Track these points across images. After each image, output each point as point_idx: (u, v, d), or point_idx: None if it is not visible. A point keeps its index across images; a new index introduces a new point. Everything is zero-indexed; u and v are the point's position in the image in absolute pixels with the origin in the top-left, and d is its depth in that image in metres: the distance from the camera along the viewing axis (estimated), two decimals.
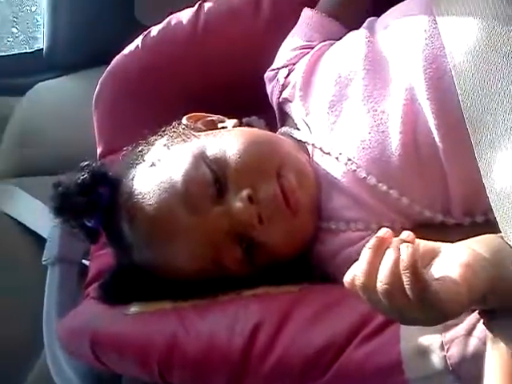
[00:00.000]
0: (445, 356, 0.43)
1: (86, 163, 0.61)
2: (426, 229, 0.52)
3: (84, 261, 0.82)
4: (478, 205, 0.51)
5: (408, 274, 0.34)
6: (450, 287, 0.36)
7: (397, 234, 0.39)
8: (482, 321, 0.41)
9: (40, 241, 0.90)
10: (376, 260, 0.37)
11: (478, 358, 0.41)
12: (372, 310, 0.43)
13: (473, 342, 0.42)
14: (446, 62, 0.51)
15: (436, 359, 0.43)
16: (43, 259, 0.83)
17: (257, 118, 0.66)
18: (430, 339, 0.44)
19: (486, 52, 0.47)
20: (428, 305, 0.35)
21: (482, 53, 0.47)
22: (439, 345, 0.44)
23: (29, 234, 0.95)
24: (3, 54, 1.32)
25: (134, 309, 0.59)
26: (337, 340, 0.48)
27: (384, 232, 0.38)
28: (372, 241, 0.38)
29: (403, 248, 0.35)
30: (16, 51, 1.43)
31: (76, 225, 0.60)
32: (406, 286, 0.34)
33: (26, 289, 0.89)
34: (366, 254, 0.37)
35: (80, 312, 0.65)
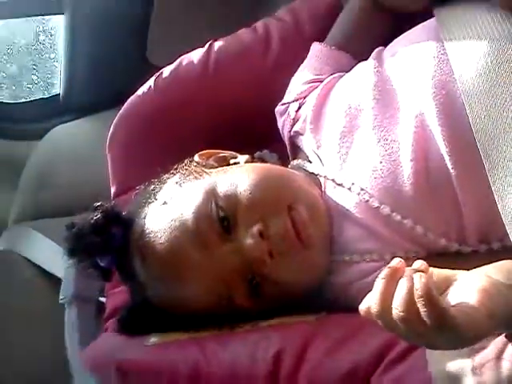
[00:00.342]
0: (478, 381, 0.42)
1: (99, 204, 0.61)
2: (441, 257, 0.51)
3: (101, 298, 0.82)
4: (494, 231, 0.50)
5: (423, 302, 0.34)
6: (468, 312, 0.35)
7: (411, 263, 0.38)
8: (510, 344, 0.41)
9: (56, 281, 0.90)
10: (390, 290, 0.36)
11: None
12: (393, 336, 0.42)
13: (505, 366, 0.41)
14: (456, 87, 0.51)
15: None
16: (60, 298, 0.83)
17: (269, 152, 0.66)
18: (460, 364, 0.43)
19: (496, 74, 0.47)
20: (447, 330, 0.34)
21: (492, 76, 0.47)
22: (470, 369, 0.42)
23: (44, 275, 0.96)
24: (21, 101, 1.37)
25: (153, 339, 0.58)
26: (362, 365, 0.47)
27: (397, 262, 0.38)
28: (385, 271, 0.37)
29: (416, 277, 0.35)
30: (24, 99, 1.48)
31: (90, 265, 0.60)
32: (423, 314, 0.34)
33: (45, 326, 0.89)
34: (379, 285, 0.37)
35: (101, 343, 0.65)
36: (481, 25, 0.51)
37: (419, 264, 0.37)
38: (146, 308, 0.59)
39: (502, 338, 0.42)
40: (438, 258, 0.51)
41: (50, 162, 1.16)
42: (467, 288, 0.37)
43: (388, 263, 0.38)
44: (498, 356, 0.42)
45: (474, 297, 0.36)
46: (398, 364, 0.46)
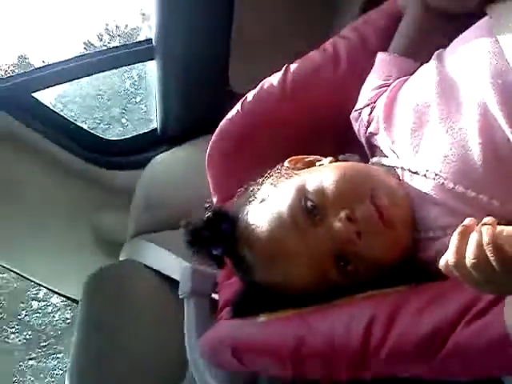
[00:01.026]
0: None
1: (208, 204, 0.71)
2: None
3: (213, 295, 0.91)
4: None
5: (490, 248, 0.39)
6: None
7: None
8: None
9: (171, 282, 1.03)
10: (463, 243, 0.42)
11: None
12: (477, 295, 0.47)
13: None
14: (511, 75, 0.56)
15: None
16: (180, 294, 0.93)
17: (351, 154, 0.72)
18: None
19: None
20: None
21: None
22: None
23: (161, 278, 1.09)
24: (125, 137, 1.56)
25: (262, 318, 0.66)
26: (448, 320, 0.51)
27: (469, 220, 0.44)
28: (459, 228, 0.43)
29: (484, 229, 0.41)
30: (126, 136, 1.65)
31: (205, 254, 0.69)
32: (491, 259, 0.39)
33: (168, 320, 1.00)
34: (454, 240, 0.43)
35: (217, 329, 0.73)
36: None
37: (487, 219, 0.43)
38: (256, 290, 0.67)
39: None
40: None
41: (155, 185, 1.32)
42: None
43: None
44: None
45: None
46: (477, 320, 0.49)
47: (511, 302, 0.48)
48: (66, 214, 1.43)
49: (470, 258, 0.41)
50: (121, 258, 1.33)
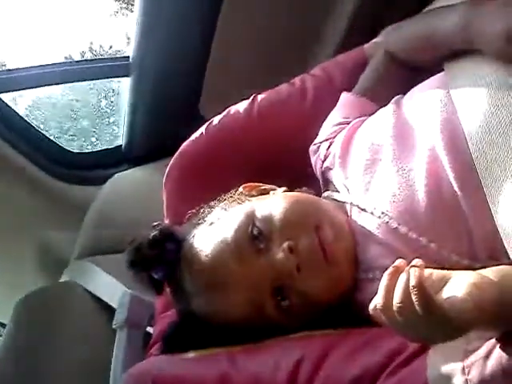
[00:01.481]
0: (466, 379, 0.45)
1: (157, 223, 0.70)
2: None
3: (148, 328, 0.89)
4: (502, 248, 0.54)
5: (416, 292, 0.40)
6: (455, 303, 0.40)
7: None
8: (498, 344, 0.44)
9: (111, 311, 0.98)
10: (392, 285, 0.43)
11: (496, 378, 0.43)
12: (404, 342, 0.47)
13: (490, 363, 0.44)
14: (460, 124, 0.58)
15: (459, 383, 0.45)
16: (113, 324, 0.91)
17: (307, 189, 0.72)
18: (454, 365, 0.46)
19: (492, 115, 0.55)
20: (436, 319, 0.39)
21: (489, 116, 0.55)
22: (461, 369, 0.45)
23: (101, 305, 1.05)
24: (87, 151, 1.54)
25: (191, 354, 0.64)
26: (371, 370, 0.51)
27: (399, 262, 0.44)
28: (388, 270, 0.44)
29: (411, 271, 0.41)
30: (89, 149, 1.63)
31: (145, 277, 0.67)
32: (415, 303, 0.40)
33: (98, 350, 0.96)
34: (383, 281, 0.44)
35: (143, 363, 0.71)
36: (481, 74, 0.59)
37: (416, 261, 0.43)
38: (189, 321, 0.65)
39: (493, 340, 0.45)
40: None
41: (111, 204, 1.29)
42: (459, 283, 0.42)
43: None
44: (487, 355, 0.44)
45: (464, 289, 0.41)
46: (402, 368, 0.49)
47: (434, 351, 0.48)
48: (12, 226, 1.36)
49: (396, 300, 0.41)
50: (62, 280, 1.27)
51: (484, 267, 0.55)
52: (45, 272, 1.46)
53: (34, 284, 1.27)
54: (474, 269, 0.55)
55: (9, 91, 1.31)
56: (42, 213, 1.40)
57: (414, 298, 0.40)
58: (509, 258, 0.54)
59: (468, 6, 0.64)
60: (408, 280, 0.41)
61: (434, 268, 0.50)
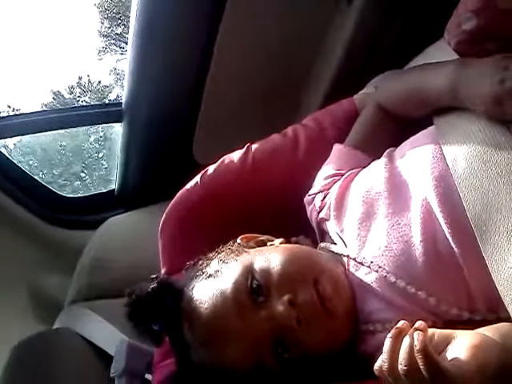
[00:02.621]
0: None
1: (155, 275, 0.71)
2: (455, 325, 0.55)
3: (147, 375, 0.88)
4: (500, 301, 0.55)
5: (420, 356, 0.41)
6: (460, 365, 0.41)
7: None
8: None
9: (107, 358, 0.97)
10: (396, 347, 0.44)
11: None
12: None
13: None
14: (452, 179, 0.60)
15: None
16: (111, 372, 0.89)
17: (303, 237, 0.74)
18: None
19: (483, 171, 0.57)
20: (441, 381, 0.40)
21: (480, 172, 0.57)
22: None
23: (96, 352, 1.03)
24: (79, 195, 1.54)
25: None
26: None
27: (402, 323, 0.45)
28: (392, 331, 0.45)
29: (415, 335, 0.42)
30: (83, 193, 1.64)
31: (145, 328, 0.68)
32: (421, 366, 0.41)
33: None
34: (387, 343, 0.45)
35: None
36: (470, 130, 0.61)
37: (419, 324, 0.44)
38: (189, 372, 0.65)
39: None
40: (453, 326, 0.54)
41: (104, 249, 1.28)
42: (462, 345, 0.44)
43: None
44: None
45: (467, 352, 0.42)
46: None
47: None
48: (3, 270, 1.34)
49: (401, 364, 0.42)
50: (56, 326, 1.25)
51: (484, 320, 0.57)
52: (38, 317, 1.44)
53: (27, 330, 1.24)
54: (474, 321, 0.57)
55: (3, 138, 1.32)
56: (35, 257, 1.39)
57: (419, 361, 0.41)
58: (507, 311, 0.55)
59: (457, 65, 0.66)
60: (412, 344, 0.42)
61: (434, 325, 0.52)
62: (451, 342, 0.45)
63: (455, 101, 0.65)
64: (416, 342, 0.42)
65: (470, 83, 0.63)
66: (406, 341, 0.43)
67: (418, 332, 0.43)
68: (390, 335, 0.45)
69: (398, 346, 0.44)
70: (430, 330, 0.46)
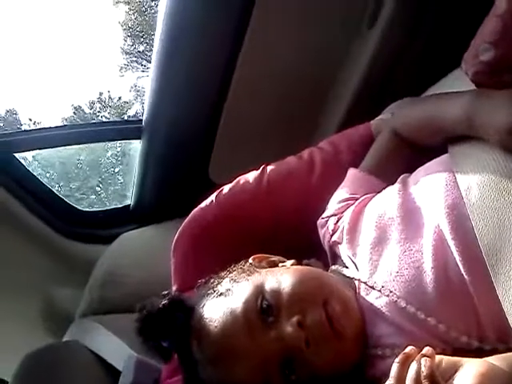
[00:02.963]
0: None
1: (167, 292, 0.71)
2: (464, 354, 0.54)
3: None
4: (510, 331, 0.55)
5: (427, 382, 0.41)
6: None
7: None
8: None
9: (115, 373, 0.97)
10: (403, 372, 0.44)
11: None
12: None
13: None
14: (465, 208, 0.61)
15: None
16: None
17: (315, 260, 0.74)
18: None
19: (496, 201, 0.57)
20: None
21: (493, 201, 0.57)
22: None
23: (105, 366, 1.03)
24: (95, 209, 1.56)
25: None
26: None
27: (409, 349, 0.46)
28: (399, 356, 0.45)
29: (422, 361, 0.43)
30: (98, 208, 1.66)
31: (154, 344, 0.68)
32: None
33: None
34: (394, 368, 0.45)
35: None
36: (484, 160, 0.62)
37: (426, 350, 0.45)
38: None
39: None
40: (462, 354, 0.54)
41: (117, 263, 1.29)
42: (470, 373, 0.43)
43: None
44: None
45: (474, 380, 0.42)
46: None
47: None
48: (18, 282, 1.36)
49: None
50: (65, 339, 1.26)
51: (494, 349, 0.57)
52: (48, 329, 1.45)
53: (37, 341, 1.25)
54: (484, 350, 0.57)
55: (24, 151, 1.35)
56: (48, 269, 1.41)
57: None
58: None
59: (474, 96, 0.67)
60: (419, 370, 0.42)
61: (444, 353, 0.52)
62: (459, 370, 0.45)
63: (470, 130, 0.66)
64: (423, 368, 0.42)
65: (485, 113, 0.64)
66: (413, 367, 0.44)
67: (425, 358, 0.43)
68: (397, 360, 0.45)
69: (405, 371, 0.44)
70: (438, 357, 0.46)
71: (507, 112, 0.61)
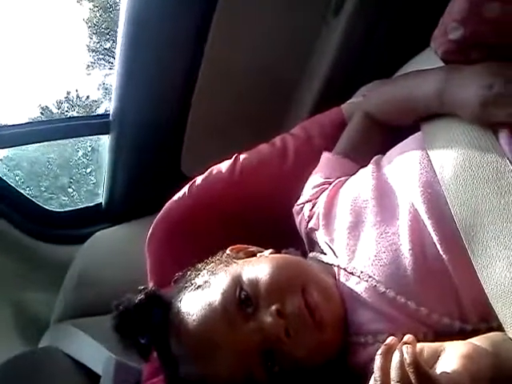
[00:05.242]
0: None
1: (143, 287, 0.69)
2: (447, 337, 0.55)
3: None
4: (491, 308, 0.55)
5: (412, 370, 0.41)
6: (452, 376, 0.41)
7: (419, 342, 0.45)
8: None
9: (95, 377, 0.95)
10: (387, 363, 0.43)
11: None
12: None
13: None
14: (439, 186, 0.60)
15: None
16: None
17: (294, 250, 0.73)
18: None
19: (470, 176, 0.57)
20: None
21: (466, 176, 0.57)
22: None
23: (84, 371, 1.00)
24: (66, 209, 1.52)
25: None
26: None
27: (390, 339, 0.45)
28: (381, 348, 0.45)
29: (404, 348, 0.42)
30: (70, 208, 1.61)
31: (132, 342, 0.66)
32: (412, 380, 0.40)
33: None
34: (378, 361, 0.44)
35: None
36: (456, 136, 0.61)
37: (407, 338, 0.44)
38: None
39: None
40: (445, 337, 0.54)
41: (91, 264, 1.26)
42: (453, 355, 0.43)
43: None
44: None
45: (458, 362, 0.42)
46: None
47: None
48: None
49: (393, 379, 0.42)
50: (41, 345, 1.22)
51: (476, 330, 0.56)
52: (23, 336, 1.41)
53: (12, 350, 1.21)
54: (466, 331, 0.57)
55: None
56: (19, 274, 1.36)
57: (411, 375, 0.41)
58: (499, 320, 0.54)
59: (444, 72, 0.66)
60: (402, 358, 0.42)
61: (426, 336, 0.51)
62: (441, 355, 0.45)
63: (442, 106, 0.65)
64: (406, 356, 0.42)
65: (457, 88, 0.63)
66: (396, 356, 0.43)
67: (406, 345, 0.43)
68: (379, 352, 0.45)
69: (389, 362, 0.44)
70: (419, 345, 0.45)
71: (478, 84, 0.61)
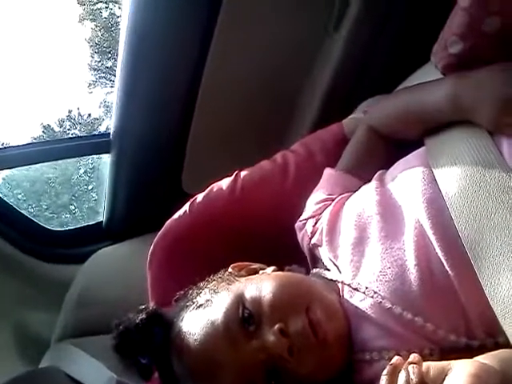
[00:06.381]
0: None
1: (144, 306, 0.68)
2: (453, 353, 0.54)
3: None
4: (497, 324, 0.54)
5: None
6: None
7: (425, 359, 0.44)
8: None
9: None
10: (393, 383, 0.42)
11: None
12: None
13: None
14: (444, 202, 0.59)
15: None
16: None
17: (297, 266, 0.72)
18: None
19: (474, 192, 0.56)
20: None
21: (471, 192, 0.56)
22: None
23: None
24: (67, 228, 1.51)
25: None
26: None
27: (396, 359, 0.45)
28: (387, 368, 0.44)
29: (410, 368, 0.42)
30: (72, 226, 1.61)
31: (132, 362, 0.65)
32: None
33: None
34: (384, 381, 0.44)
35: None
36: (460, 151, 0.61)
37: (413, 357, 0.44)
38: None
39: None
40: (451, 353, 0.54)
41: (92, 283, 1.24)
42: (460, 374, 0.42)
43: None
44: None
45: (466, 381, 0.41)
46: None
47: None
48: None
49: None
50: (42, 365, 1.19)
51: (482, 345, 0.56)
52: (23, 356, 1.39)
53: (12, 370, 1.19)
54: (473, 348, 0.56)
55: None
56: (20, 294, 1.34)
57: None
58: (505, 335, 0.54)
59: (455, 78, 0.66)
60: (408, 378, 0.41)
61: (432, 353, 0.50)
62: (448, 373, 0.44)
63: (457, 113, 0.64)
64: (412, 376, 0.41)
65: (472, 91, 0.62)
66: (402, 376, 0.43)
67: (412, 365, 0.42)
68: (385, 372, 0.44)
69: (395, 383, 0.43)
70: (425, 364, 0.44)
71: (495, 84, 0.60)
